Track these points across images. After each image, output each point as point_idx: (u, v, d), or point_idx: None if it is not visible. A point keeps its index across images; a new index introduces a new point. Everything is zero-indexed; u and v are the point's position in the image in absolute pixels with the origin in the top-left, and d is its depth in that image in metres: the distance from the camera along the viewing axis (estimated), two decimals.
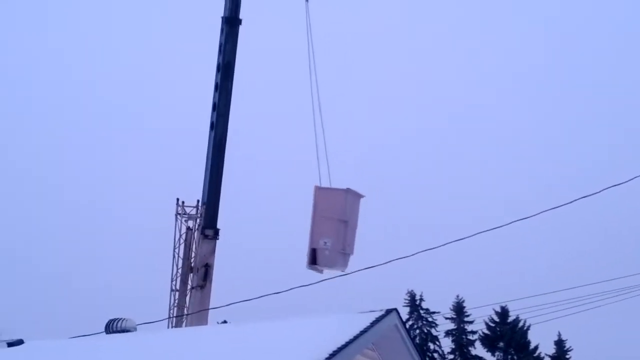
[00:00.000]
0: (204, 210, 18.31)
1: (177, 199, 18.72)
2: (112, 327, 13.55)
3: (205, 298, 17.72)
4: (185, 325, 17.34)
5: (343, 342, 9.36)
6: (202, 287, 17.88)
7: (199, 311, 17.21)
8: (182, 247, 18.49)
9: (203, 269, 17.90)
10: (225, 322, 27.75)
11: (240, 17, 19.19)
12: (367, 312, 10.45)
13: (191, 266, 18.21)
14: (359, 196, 16.27)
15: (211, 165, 18.60)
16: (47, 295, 61.25)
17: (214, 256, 18.19)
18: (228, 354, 10.04)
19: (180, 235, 18.51)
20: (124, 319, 13.70)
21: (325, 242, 15.47)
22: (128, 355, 10.96)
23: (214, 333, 12.68)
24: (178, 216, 18.66)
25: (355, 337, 9.60)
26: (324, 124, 16.82)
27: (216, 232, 18.21)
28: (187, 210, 18.67)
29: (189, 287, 18.10)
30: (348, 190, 15.89)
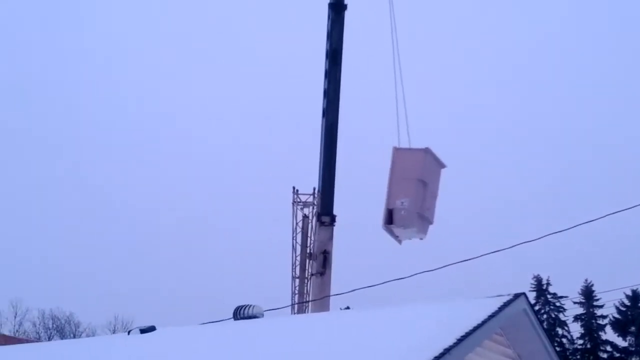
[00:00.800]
0: (319, 197, 18.39)
1: (293, 187, 18.91)
2: (240, 313, 13.64)
3: (326, 285, 17.80)
4: (308, 312, 17.50)
5: (471, 327, 9.20)
6: (321, 273, 17.97)
7: (321, 298, 17.31)
8: (299, 235, 18.67)
9: (322, 256, 17.98)
10: (348, 308, 27.84)
11: (346, 2, 19.07)
12: (494, 296, 10.24)
13: (310, 253, 18.34)
14: (440, 164, 15.97)
15: (324, 152, 18.62)
16: (178, 283, 63.23)
17: (332, 242, 18.24)
18: (353, 338, 10.02)
19: (297, 223, 18.68)
20: (252, 305, 13.75)
21: (402, 202, 15.24)
22: (256, 340, 11.09)
23: (337, 318, 12.68)
24: (294, 204, 18.84)
25: (483, 322, 9.41)
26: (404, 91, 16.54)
27: (333, 219, 18.25)
28: (303, 198, 18.83)
29: (308, 274, 18.24)
30: (427, 150, 15.63)
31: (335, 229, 18.51)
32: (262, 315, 13.81)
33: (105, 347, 13.51)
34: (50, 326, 57.99)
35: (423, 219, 15.65)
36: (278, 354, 9.80)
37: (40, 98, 78.73)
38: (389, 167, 15.66)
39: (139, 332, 12.93)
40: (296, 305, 18.12)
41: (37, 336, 54.82)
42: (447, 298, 13.15)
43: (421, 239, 15.98)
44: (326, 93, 18.84)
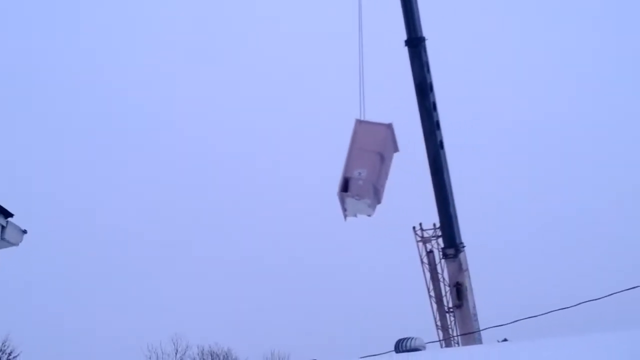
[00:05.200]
0: (437, 232, 18.64)
1: (414, 227, 19.19)
2: (402, 346, 13.58)
3: (466, 317, 17.97)
4: (459, 345, 17.65)
5: None
6: (458, 306, 18.17)
7: (476, 331, 17.45)
8: (427, 270, 18.93)
9: (454, 289, 18.16)
10: (505, 340, 27.51)
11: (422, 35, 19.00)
12: None
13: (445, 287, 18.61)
14: (395, 146, 16.30)
15: (433, 185, 18.73)
16: (334, 317, 64.21)
17: (464, 273, 18.36)
18: None
19: (422, 260, 18.93)
20: (414, 338, 13.75)
21: (360, 173, 15.46)
22: None
23: (503, 352, 12.24)
24: (418, 242, 19.14)
25: None
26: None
27: (457, 250, 18.36)
28: (425, 234, 19.10)
29: (446, 307, 18.47)
30: (389, 126, 15.97)
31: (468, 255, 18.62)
32: (424, 348, 13.76)
33: None
34: None
35: (376, 194, 15.81)
36: None
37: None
38: (350, 137, 15.90)
39: None
40: (444, 339, 18.28)
41: None
42: (617, 328, 12.63)
43: (369, 215, 16.09)
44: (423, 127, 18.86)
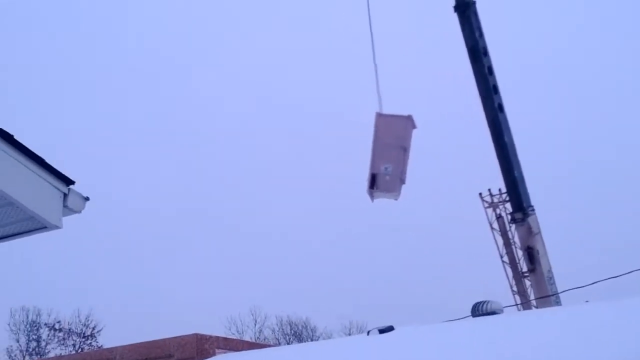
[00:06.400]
0: (504, 197, 18.39)
1: (480, 194, 19.03)
2: (479, 309, 13.05)
3: (540, 281, 17.70)
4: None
5: None
6: (532, 270, 17.93)
7: (554, 294, 17.26)
8: (498, 236, 18.74)
9: (526, 254, 17.94)
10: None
11: None
12: None
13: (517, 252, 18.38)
14: (413, 125, 16.18)
15: (495, 149, 18.52)
16: (403, 284, 64.17)
17: (535, 236, 18.07)
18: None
19: (491, 226, 18.74)
20: (490, 301, 13.16)
21: (387, 168, 15.62)
22: (502, 337, 10.37)
23: (582, 313, 11.71)
24: (486, 209, 18.95)
25: None
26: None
27: (525, 214, 18.09)
28: (491, 200, 18.92)
29: (521, 273, 18.25)
30: (409, 118, 15.93)
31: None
32: (502, 312, 13.29)
33: (345, 348, 13.63)
34: (288, 332, 59.88)
35: (401, 182, 15.97)
36: (531, 350, 9.20)
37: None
38: (373, 132, 15.96)
39: (378, 332, 12.78)
40: (522, 304, 18.08)
41: (277, 342, 56.43)
42: None
43: (395, 199, 16.20)
44: (479, 92, 18.69)
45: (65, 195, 7.69)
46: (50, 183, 7.62)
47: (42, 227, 7.77)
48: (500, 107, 18.57)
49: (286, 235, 69.38)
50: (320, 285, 67.15)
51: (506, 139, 18.34)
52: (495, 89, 18.60)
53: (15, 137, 7.21)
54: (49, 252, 63.62)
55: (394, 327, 12.97)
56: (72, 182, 7.74)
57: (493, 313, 12.76)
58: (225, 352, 20.80)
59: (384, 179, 15.70)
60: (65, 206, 7.70)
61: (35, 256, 63.80)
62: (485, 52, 18.78)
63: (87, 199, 7.93)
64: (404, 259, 65.86)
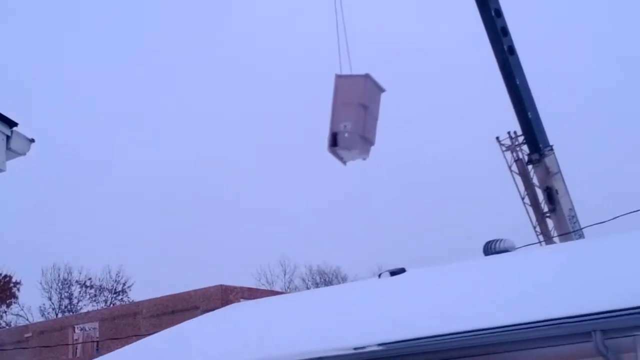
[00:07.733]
0: (520, 139, 18.42)
1: (497, 137, 18.98)
2: (491, 248, 13.21)
3: (561, 220, 17.76)
4: None
5: None
6: (552, 210, 17.97)
7: (572, 231, 17.36)
8: (517, 178, 18.73)
9: (545, 194, 17.99)
10: None
11: None
12: None
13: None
14: (379, 88, 16.36)
15: (508, 92, 18.47)
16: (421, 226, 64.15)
17: (554, 176, 18.10)
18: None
19: (510, 169, 18.72)
20: (502, 239, 13.38)
21: (345, 126, 15.79)
22: (513, 274, 10.55)
23: (595, 245, 11.52)
24: (504, 152, 18.93)
25: None
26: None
27: (541, 154, 18.06)
28: (511, 142, 18.88)
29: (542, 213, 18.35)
30: (367, 76, 16.04)
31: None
32: (514, 249, 13.37)
33: (355, 290, 13.92)
34: (318, 281, 59.77)
35: (365, 141, 16.13)
36: (542, 285, 9.28)
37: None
38: (332, 93, 16.13)
39: (389, 274, 13.05)
40: (544, 241, 18.14)
41: None
42: None
43: (364, 159, 16.43)
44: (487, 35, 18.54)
45: (8, 137, 7.36)
46: None
47: None
48: (510, 50, 18.44)
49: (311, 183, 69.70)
50: (348, 235, 67.43)
51: (518, 81, 18.27)
52: (504, 31, 18.44)
53: None
54: (80, 211, 64.55)
55: (406, 269, 13.11)
56: (16, 124, 7.37)
57: (505, 251, 12.88)
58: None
59: (343, 137, 15.88)
60: (8, 148, 7.38)
61: (66, 215, 64.86)
62: None
63: (32, 140, 7.56)
64: (430, 208, 66.09)
